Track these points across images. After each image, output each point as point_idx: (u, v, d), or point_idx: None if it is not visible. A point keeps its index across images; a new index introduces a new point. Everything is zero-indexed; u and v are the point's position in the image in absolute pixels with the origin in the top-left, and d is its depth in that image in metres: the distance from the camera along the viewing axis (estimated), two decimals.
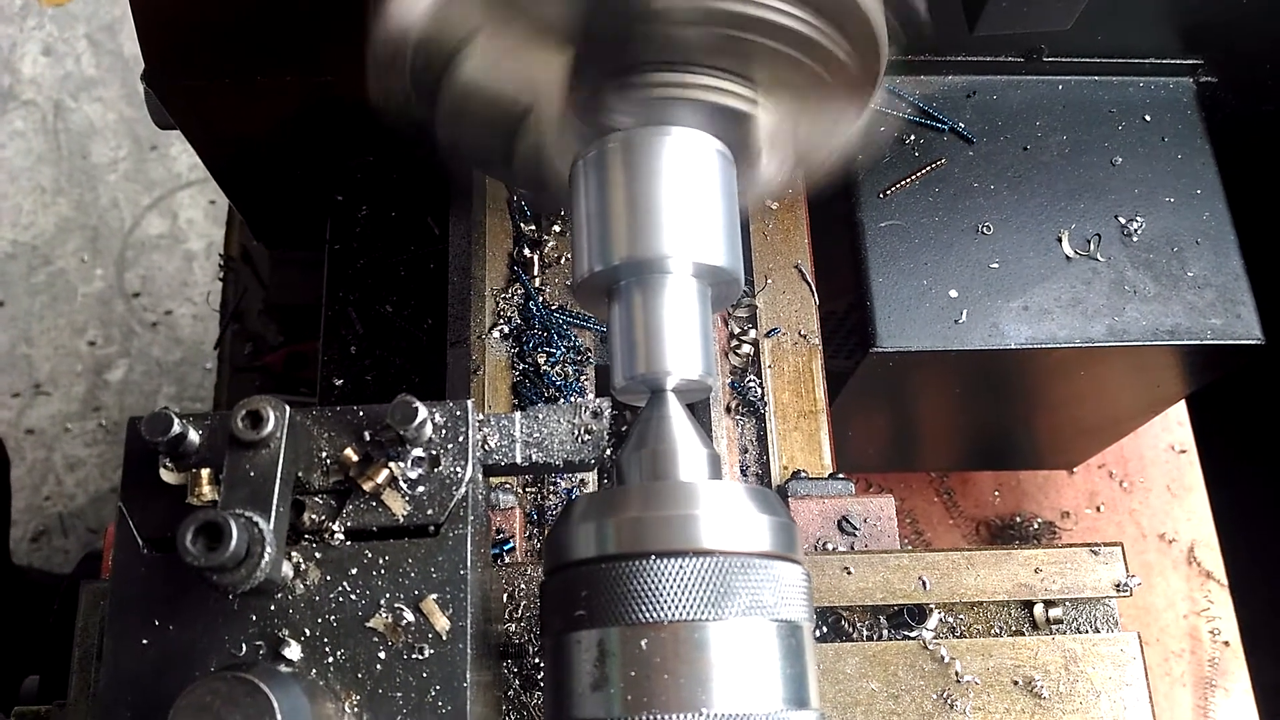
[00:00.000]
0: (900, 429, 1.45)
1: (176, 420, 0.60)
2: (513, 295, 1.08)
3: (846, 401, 1.18)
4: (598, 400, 0.70)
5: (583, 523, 0.67)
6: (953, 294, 1.10)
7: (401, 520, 0.64)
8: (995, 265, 1.11)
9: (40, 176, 3.44)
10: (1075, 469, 1.64)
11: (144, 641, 0.62)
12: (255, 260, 1.70)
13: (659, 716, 0.61)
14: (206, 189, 3.41)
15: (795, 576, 0.68)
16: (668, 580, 0.63)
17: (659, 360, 0.74)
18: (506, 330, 1.06)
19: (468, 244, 1.10)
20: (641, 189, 0.76)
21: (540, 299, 1.07)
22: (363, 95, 0.78)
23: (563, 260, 1.10)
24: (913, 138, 1.16)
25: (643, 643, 0.62)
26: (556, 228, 1.11)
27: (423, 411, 0.62)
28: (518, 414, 0.69)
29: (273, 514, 0.58)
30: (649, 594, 0.63)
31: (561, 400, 0.99)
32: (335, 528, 0.64)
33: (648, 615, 0.62)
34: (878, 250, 1.11)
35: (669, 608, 0.63)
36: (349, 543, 0.64)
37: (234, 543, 0.54)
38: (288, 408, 0.60)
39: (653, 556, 0.63)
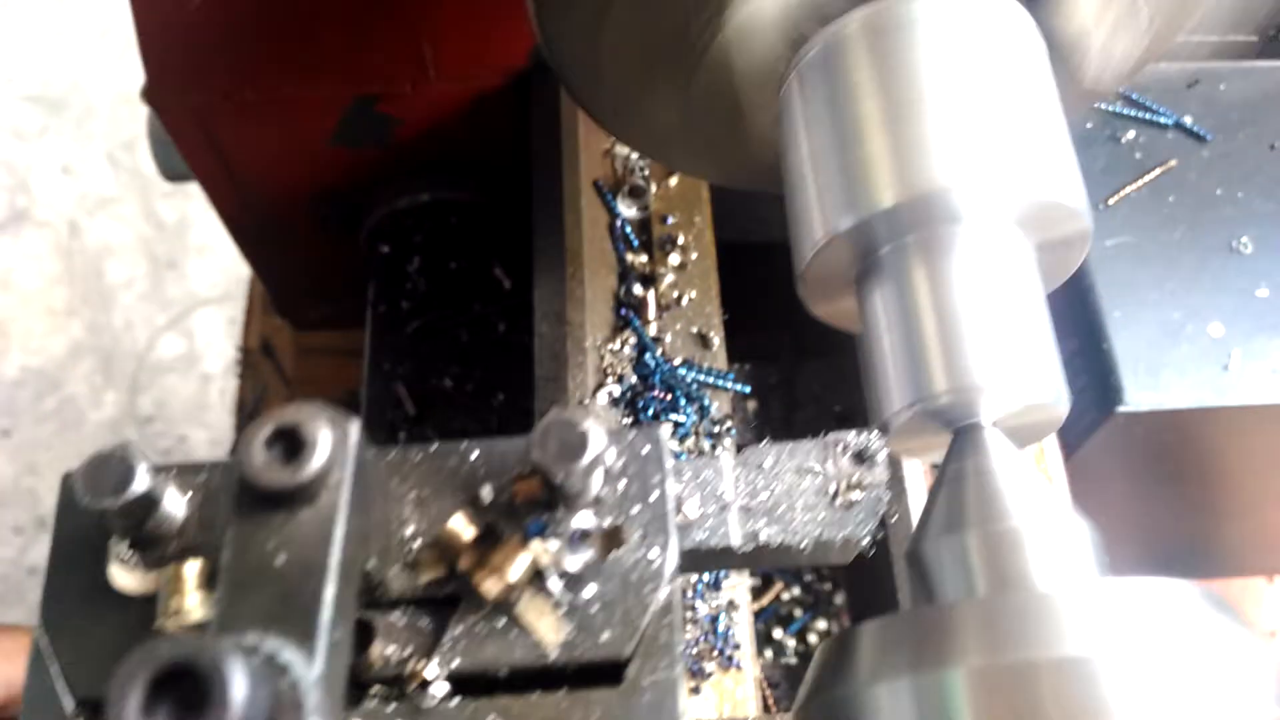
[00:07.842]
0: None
1: (143, 468, 0.32)
2: (622, 347, 0.80)
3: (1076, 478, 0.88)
4: (865, 433, 0.40)
5: (880, 682, 0.37)
6: (1215, 331, 0.81)
7: (554, 656, 0.35)
8: (1263, 292, 0.83)
9: (53, 298, 3.25)
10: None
11: None
12: (278, 354, 1.46)
13: None
14: (226, 306, 3.20)
15: None
16: None
17: (965, 371, 0.44)
18: (617, 393, 0.78)
19: (559, 282, 0.82)
20: (909, 90, 0.48)
21: (659, 351, 0.80)
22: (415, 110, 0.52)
23: (684, 301, 0.82)
24: (1131, 135, 0.90)
25: None
26: (674, 258, 0.84)
27: (597, 438, 0.33)
28: (724, 457, 0.39)
29: (319, 645, 0.29)
30: None
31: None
32: (432, 671, 0.34)
33: None
34: (1108, 275, 0.83)
35: None
36: (457, 700, 0.34)
37: (235, 707, 0.25)
38: (355, 426, 0.31)
39: None
